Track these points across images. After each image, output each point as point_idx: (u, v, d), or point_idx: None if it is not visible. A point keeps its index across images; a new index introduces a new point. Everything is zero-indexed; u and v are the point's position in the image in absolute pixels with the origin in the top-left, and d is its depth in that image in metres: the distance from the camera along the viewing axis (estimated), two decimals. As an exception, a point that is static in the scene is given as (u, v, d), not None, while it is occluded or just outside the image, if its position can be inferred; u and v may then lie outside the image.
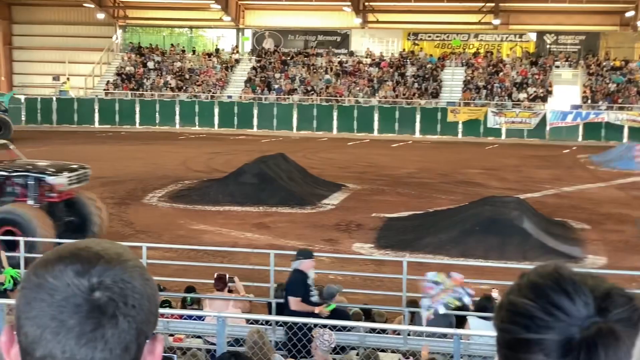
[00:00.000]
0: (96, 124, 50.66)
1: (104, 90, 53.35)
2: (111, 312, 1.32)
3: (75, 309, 1.32)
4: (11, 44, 60.10)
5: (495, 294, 11.37)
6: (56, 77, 56.72)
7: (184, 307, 12.01)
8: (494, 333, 1.42)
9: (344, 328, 9.96)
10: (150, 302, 1.39)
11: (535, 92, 49.57)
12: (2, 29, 59.09)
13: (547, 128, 46.85)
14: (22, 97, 52.48)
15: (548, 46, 53.58)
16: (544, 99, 49.25)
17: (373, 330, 9.67)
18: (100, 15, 57.49)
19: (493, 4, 52.73)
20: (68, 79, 54.96)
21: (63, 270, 1.35)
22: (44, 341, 1.32)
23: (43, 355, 1.32)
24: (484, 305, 10.69)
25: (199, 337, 10.55)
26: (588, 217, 22.20)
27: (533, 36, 54.12)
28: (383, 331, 9.80)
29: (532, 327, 1.34)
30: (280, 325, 9.91)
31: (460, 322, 10.61)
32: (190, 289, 12.58)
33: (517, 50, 54.03)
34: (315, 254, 17.26)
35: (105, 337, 1.32)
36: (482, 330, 9.14)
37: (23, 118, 50.88)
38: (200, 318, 10.58)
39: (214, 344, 9.12)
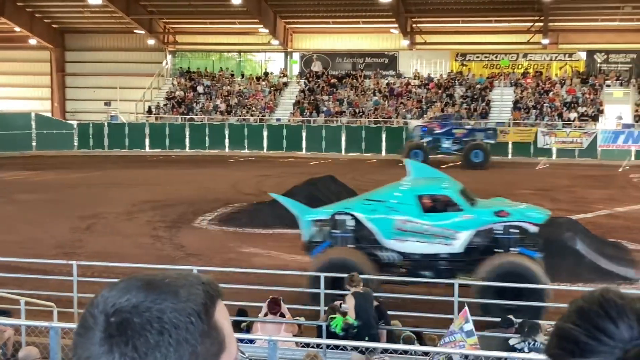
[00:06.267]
0: (147, 148, 51.31)
1: (154, 114, 54.06)
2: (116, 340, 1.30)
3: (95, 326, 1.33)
4: (64, 71, 61.32)
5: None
6: (108, 103, 57.66)
7: (239, 330, 12.02)
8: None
9: (396, 352, 9.89)
10: (180, 344, 1.30)
11: (585, 111, 48.97)
12: (55, 56, 60.37)
13: (599, 149, 46.20)
14: (75, 123, 53.44)
15: (598, 65, 52.95)
16: (595, 119, 48.63)
17: (426, 354, 9.58)
18: (151, 41, 58.42)
19: (542, 24, 52.34)
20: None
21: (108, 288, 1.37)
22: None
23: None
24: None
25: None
26: (643, 238, 21.76)
27: (583, 55, 53.57)
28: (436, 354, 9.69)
29: (577, 352, 1.33)
30: (332, 349, 9.85)
31: None
32: (241, 311, 12.60)
33: (567, 69, 53.51)
34: (365, 276, 17.22)
35: None
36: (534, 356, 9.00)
37: (75, 143, 51.78)
38: (251, 341, 10.57)
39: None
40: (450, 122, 43.92)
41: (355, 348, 9.55)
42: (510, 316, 11.67)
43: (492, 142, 43.23)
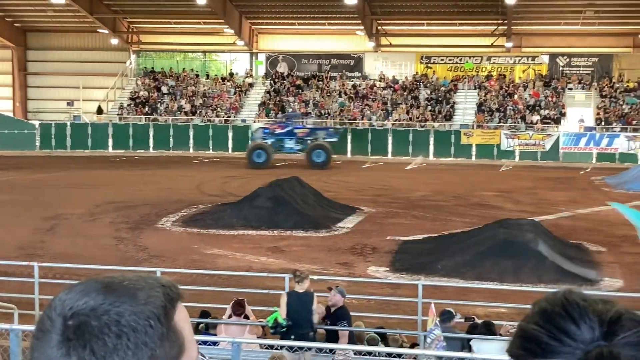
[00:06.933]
0: (110, 149, 50.89)
1: (118, 115, 53.65)
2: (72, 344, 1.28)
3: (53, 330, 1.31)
4: (26, 70, 60.61)
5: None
6: (70, 103, 57.09)
7: (197, 332, 11.96)
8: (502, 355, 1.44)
9: (359, 353, 9.91)
10: (139, 348, 1.28)
11: (548, 114, 49.50)
12: (17, 55, 59.64)
13: (561, 151, 46.78)
14: (37, 123, 52.84)
15: (561, 68, 53.56)
16: (557, 121, 49.19)
17: (390, 355, 9.60)
18: (114, 41, 57.95)
19: (505, 27, 52.82)
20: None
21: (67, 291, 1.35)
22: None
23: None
24: (483, 332, 10.84)
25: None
26: (604, 240, 22.04)
27: (546, 58, 54.15)
28: (399, 356, 9.73)
29: (539, 352, 1.34)
30: (295, 351, 9.83)
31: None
32: (204, 313, 12.54)
33: (529, 72, 54.05)
34: (330, 277, 17.23)
35: None
36: (495, 354, 9.08)
37: (37, 144, 51.19)
38: (214, 343, 10.53)
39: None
40: (291, 123, 44.42)
41: (298, 348, 9.57)
42: (451, 309, 11.72)
43: (334, 140, 44.15)
